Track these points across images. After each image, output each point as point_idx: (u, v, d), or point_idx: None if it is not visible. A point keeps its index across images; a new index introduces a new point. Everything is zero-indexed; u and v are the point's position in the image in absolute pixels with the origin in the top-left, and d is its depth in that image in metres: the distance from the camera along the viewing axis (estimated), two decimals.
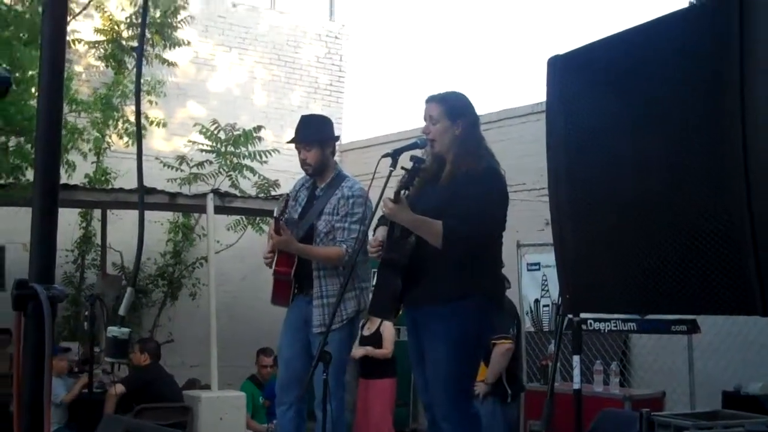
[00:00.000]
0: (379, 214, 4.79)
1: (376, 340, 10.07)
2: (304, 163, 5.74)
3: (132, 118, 11.98)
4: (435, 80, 25.53)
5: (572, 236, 3.44)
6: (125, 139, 12.19)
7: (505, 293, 5.01)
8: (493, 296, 4.64)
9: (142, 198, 3.80)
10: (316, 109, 15.06)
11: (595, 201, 3.37)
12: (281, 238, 5.41)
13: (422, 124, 4.80)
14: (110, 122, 11.96)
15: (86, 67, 13.47)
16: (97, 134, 12.10)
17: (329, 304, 5.56)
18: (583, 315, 4.02)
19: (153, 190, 10.92)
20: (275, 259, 5.63)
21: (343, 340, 5.60)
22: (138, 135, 3.24)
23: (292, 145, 5.85)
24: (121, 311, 3.05)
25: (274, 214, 5.48)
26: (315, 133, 5.69)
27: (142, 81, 3.60)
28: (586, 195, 3.39)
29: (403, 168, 4.48)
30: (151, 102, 12.65)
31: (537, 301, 10.26)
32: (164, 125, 12.91)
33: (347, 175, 5.82)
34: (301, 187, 5.91)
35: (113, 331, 3.03)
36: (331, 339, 4.70)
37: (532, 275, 10.34)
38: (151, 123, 12.73)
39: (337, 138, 5.83)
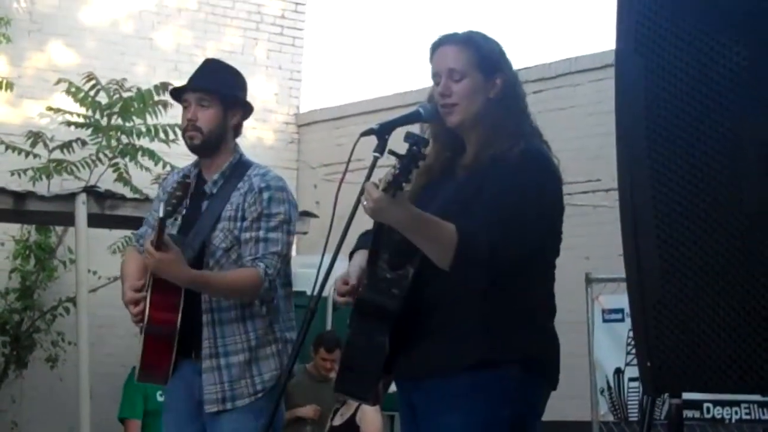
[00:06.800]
0: (356, 231, 3.45)
1: None
2: (190, 126, 4.02)
3: None
4: (442, 19, 17.03)
5: (658, 264, 2.71)
6: None
7: (558, 356, 3.69)
8: (538, 362, 3.37)
9: None
10: (259, 55, 11.13)
11: (697, 208, 2.66)
12: (163, 256, 3.69)
13: (425, 83, 3.58)
14: None
15: None
16: None
17: (229, 365, 3.92)
18: (688, 395, 3.36)
19: None
20: (148, 297, 3.91)
21: (248, 427, 3.88)
22: None
23: None
24: None
25: (159, 213, 3.78)
26: (219, 83, 4.07)
27: None
28: (681, 198, 2.68)
29: (392, 153, 3.18)
30: None
31: (619, 372, 7.91)
32: (9, 88, 9.43)
33: (253, 161, 4.23)
34: (176, 185, 4.16)
35: None
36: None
37: (610, 329, 8.52)
38: None
39: (249, 109, 4.17)
